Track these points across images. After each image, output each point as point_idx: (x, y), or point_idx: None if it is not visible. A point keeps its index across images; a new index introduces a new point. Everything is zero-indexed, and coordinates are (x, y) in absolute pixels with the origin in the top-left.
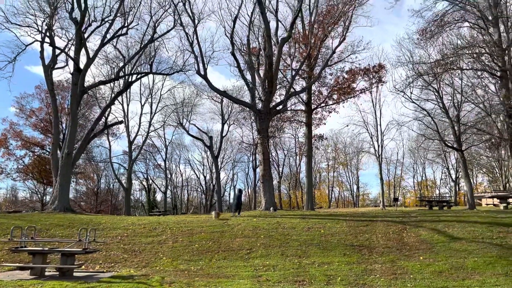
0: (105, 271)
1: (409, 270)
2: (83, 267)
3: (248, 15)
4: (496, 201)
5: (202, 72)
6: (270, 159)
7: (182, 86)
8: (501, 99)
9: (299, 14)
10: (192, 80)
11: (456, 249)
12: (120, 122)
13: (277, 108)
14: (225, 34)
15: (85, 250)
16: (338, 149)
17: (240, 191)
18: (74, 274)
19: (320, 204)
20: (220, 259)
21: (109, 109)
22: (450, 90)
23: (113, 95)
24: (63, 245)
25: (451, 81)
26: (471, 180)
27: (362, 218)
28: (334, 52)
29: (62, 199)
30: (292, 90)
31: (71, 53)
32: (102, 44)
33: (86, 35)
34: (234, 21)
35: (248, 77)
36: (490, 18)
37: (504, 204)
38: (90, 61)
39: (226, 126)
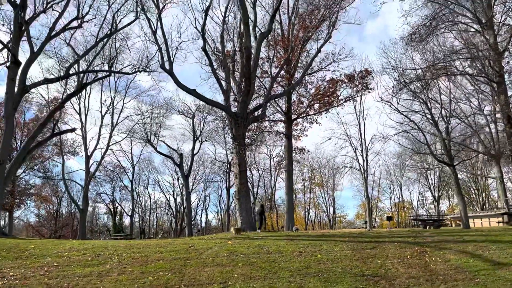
0: None
1: None
2: None
3: (222, 8)
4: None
5: (167, 67)
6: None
7: (149, 97)
8: (500, 106)
9: (280, 5)
10: (161, 89)
11: (509, 279)
12: (72, 130)
13: (255, 114)
14: (195, 28)
15: None
16: (315, 170)
17: (262, 206)
18: None
19: (297, 226)
20: None
21: (59, 114)
22: (438, 103)
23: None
24: None
25: (438, 94)
26: (451, 201)
27: (366, 239)
28: (319, 51)
29: None
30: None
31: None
32: (50, 37)
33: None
34: (206, 12)
35: (222, 76)
36: (483, 20)
37: None
38: (34, 55)
39: (198, 144)
